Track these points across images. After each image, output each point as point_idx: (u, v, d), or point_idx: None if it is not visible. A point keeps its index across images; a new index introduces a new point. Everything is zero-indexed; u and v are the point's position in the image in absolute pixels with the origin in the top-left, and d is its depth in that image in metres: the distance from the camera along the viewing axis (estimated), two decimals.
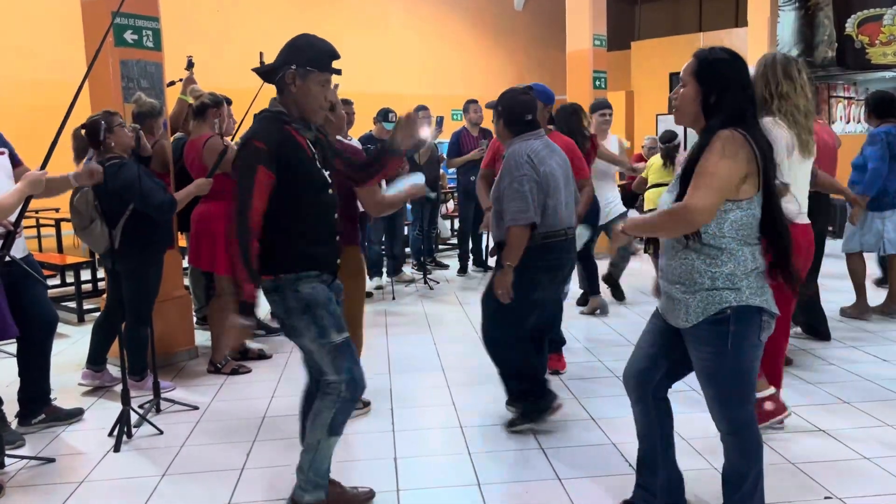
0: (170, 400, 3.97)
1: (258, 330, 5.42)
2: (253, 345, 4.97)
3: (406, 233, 7.88)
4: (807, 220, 3.42)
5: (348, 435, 3.49)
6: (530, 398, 3.52)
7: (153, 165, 4.38)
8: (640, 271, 7.06)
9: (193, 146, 4.39)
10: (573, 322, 5.52)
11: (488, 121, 7.49)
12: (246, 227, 2.44)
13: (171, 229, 4.46)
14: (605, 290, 6.04)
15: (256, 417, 3.81)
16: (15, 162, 3.56)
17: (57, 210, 7.11)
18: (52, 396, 3.79)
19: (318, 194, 2.60)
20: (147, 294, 4.05)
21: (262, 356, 4.85)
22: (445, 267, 8.14)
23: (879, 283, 6.27)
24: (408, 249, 8.01)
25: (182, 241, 5.38)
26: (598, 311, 5.80)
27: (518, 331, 3.47)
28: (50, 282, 4.28)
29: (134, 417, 3.62)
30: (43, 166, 3.17)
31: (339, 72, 2.62)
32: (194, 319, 5.27)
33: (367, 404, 3.82)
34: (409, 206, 7.41)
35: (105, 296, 4.54)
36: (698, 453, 3.17)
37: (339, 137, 3.85)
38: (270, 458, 3.30)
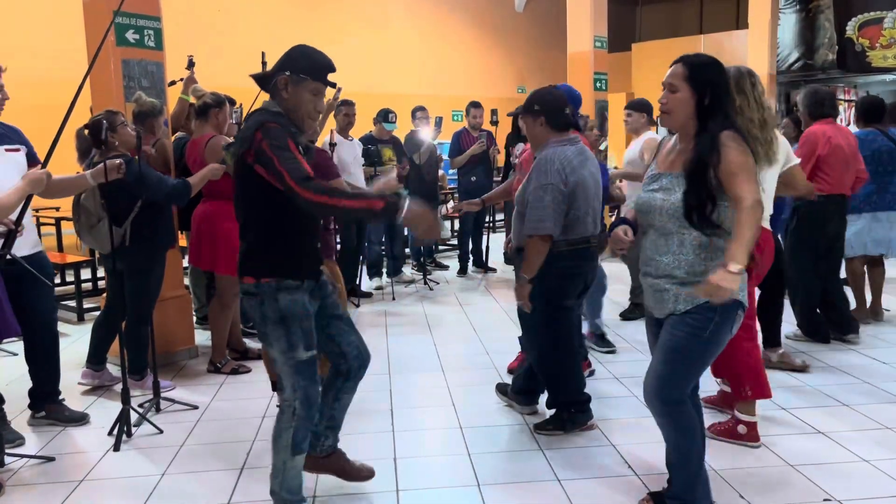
0: (170, 399, 3.98)
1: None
2: (253, 344, 4.97)
3: (406, 233, 7.89)
4: (766, 226, 3.51)
5: (348, 435, 3.50)
6: (572, 409, 3.48)
7: (154, 165, 4.38)
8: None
9: (195, 146, 4.39)
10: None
11: (488, 122, 7.54)
12: (314, 182, 2.35)
13: (173, 228, 4.47)
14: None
15: (256, 417, 3.81)
16: (33, 161, 3.56)
17: (57, 209, 7.11)
18: (60, 397, 3.79)
19: None
20: (148, 293, 4.06)
21: (262, 356, 4.84)
22: (445, 268, 8.15)
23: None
24: (407, 250, 8.02)
25: (183, 241, 5.38)
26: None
27: (560, 339, 3.43)
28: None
29: (134, 417, 3.63)
30: (44, 165, 3.17)
31: (333, 84, 2.64)
32: (194, 319, 5.27)
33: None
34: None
35: (105, 295, 4.54)
36: None
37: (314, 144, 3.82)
38: (270, 458, 3.30)
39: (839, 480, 2.97)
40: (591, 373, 4.29)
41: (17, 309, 3.53)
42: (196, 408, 3.96)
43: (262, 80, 2.61)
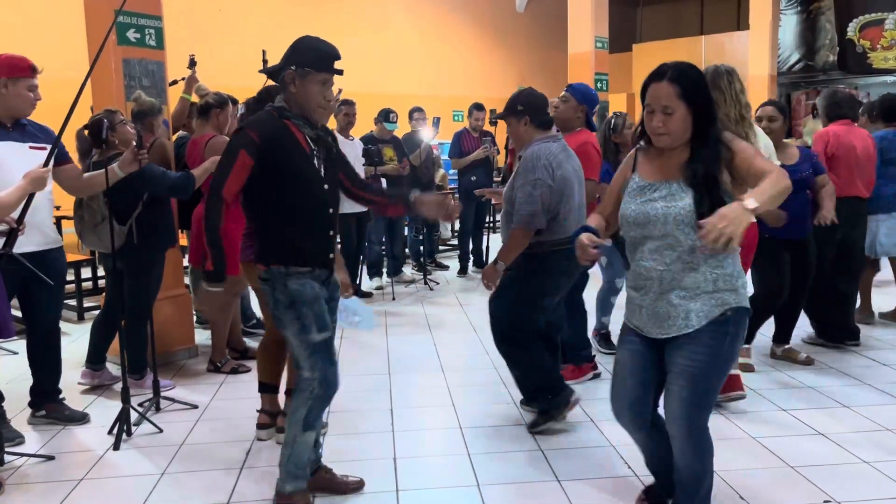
0: (169, 398, 3.97)
1: (258, 329, 5.42)
2: (253, 344, 4.97)
3: (406, 234, 7.89)
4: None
5: (348, 435, 3.50)
6: (546, 396, 3.52)
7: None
8: None
9: (195, 145, 4.39)
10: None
11: (488, 123, 7.54)
12: (219, 195, 2.59)
13: (174, 228, 4.47)
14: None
15: (256, 416, 3.80)
16: (63, 160, 3.58)
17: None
18: (61, 396, 3.79)
19: (312, 189, 2.66)
20: (148, 292, 4.06)
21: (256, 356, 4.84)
22: (446, 268, 8.15)
23: None
24: (407, 250, 8.02)
25: (184, 240, 5.38)
26: None
27: (528, 332, 3.48)
28: None
29: (134, 416, 3.62)
30: (46, 164, 3.18)
31: (340, 72, 2.67)
32: (194, 318, 5.27)
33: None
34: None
35: (104, 294, 4.54)
36: None
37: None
38: (269, 457, 3.29)
39: (839, 482, 2.96)
40: (597, 375, 4.28)
41: (23, 305, 3.55)
42: (196, 407, 3.96)
43: (274, 74, 2.69)
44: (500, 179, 7.76)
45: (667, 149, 2.33)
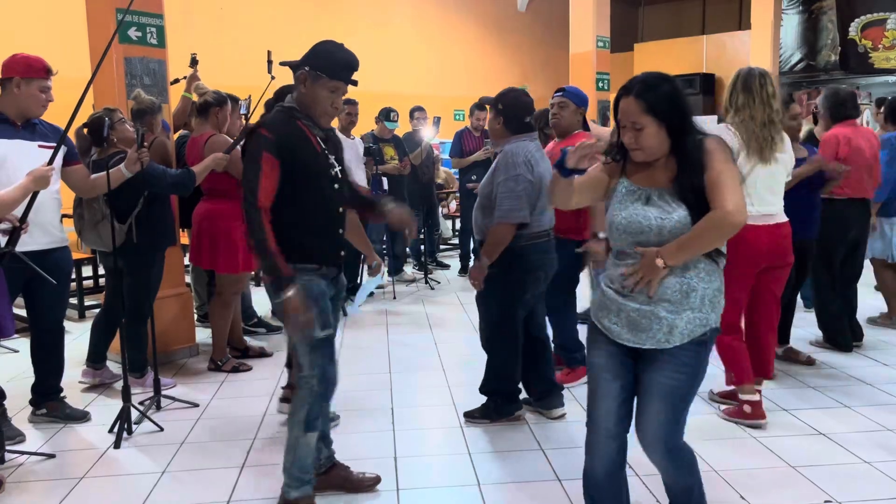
0: (170, 397, 3.98)
1: (258, 328, 5.43)
2: (254, 342, 4.97)
3: (406, 233, 7.88)
4: (769, 222, 3.50)
5: (349, 434, 3.50)
6: (497, 399, 3.64)
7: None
8: None
9: (195, 144, 4.39)
10: None
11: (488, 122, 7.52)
12: (256, 206, 2.52)
13: (175, 227, 4.48)
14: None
15: (257, 415, 3.81)
16: (72, 159, 3.62)
17: None
18: (62, 395, 3.80)
19: (323, 187, 2.67)
20: (148, 291, 4.06)
21: (262, 354, 4.85)
22: (446, 267, 8.15)
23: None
24: (408, 249, 8.01)
25: (184, 238, 5.39)
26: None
27: (511, 327, 3.54)
28: None
29: (134, 414, 3.63)
30: (50, 162, 3.18)
31: (355, 83, 2.67)
32: (195, 317, 5.27)
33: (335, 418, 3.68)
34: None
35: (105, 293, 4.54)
36: (697, 454, 3.16)
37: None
38: (270, 456, 3.29)
39: (840, 482, 2.96)
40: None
41: (27, 303, 3.55)
42: (196, 406, 3.96)
43: (293, 69, 2.69)
44: None
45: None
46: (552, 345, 4.20)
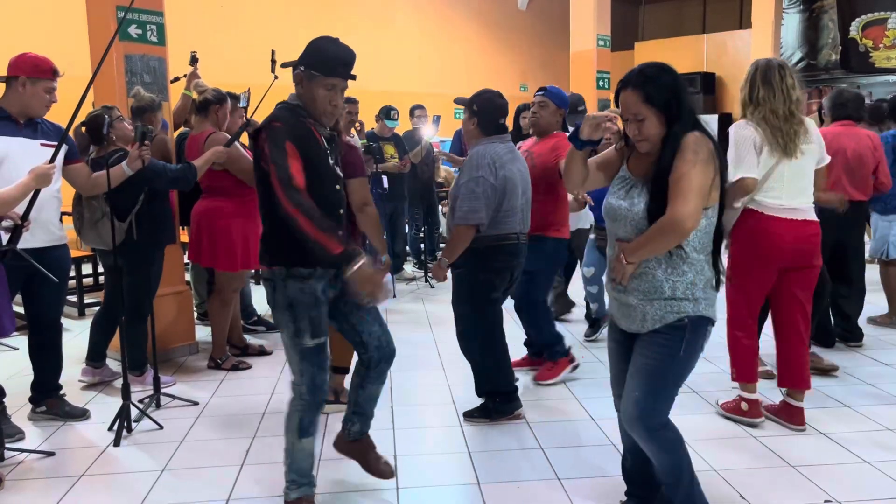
0: (170, 395, 3.97)
1: (258, 326, 5.43)
2: (253, 341, 4.97)
3: (407, 231, 7.88)
4: (796, 217, 3.35)
5: None
6: (495, 399, 3.66)
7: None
8: None
9: (195, 141, 4.39)
10: (572, 323, 5.52)
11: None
12: (297, 188, 2.42)
13: (174, 225, 4.47)
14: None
15: (256, 413, 3.81)
16: (73, 158, 3.62)
17: None
18: (61, 392, 3.79)
19: (326, 189, 2.63)
20: (147, 289, 4.06)
21: (262, 352, 4.85)
22: None
23: None
24: (408, 248, 8.01)
25: (184, 236, 5.38)
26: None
27: (484, 326, 3.60)
28: None
29: (134, 412, 3.62)
30: (52, 160, 3.18)
31: (353, 77, 2.64)
32: (195, 315, 5.27)
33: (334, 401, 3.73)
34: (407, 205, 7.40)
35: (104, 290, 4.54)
36: (696, 454, 3.17)
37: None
38: (270, 454, 3.29)
39: (840, 481, 2.96)
40: (576, 367, 4.25)
41: (26, 300, 3.55)
42: (196, 404, 3.96)
43: (293, 69, 2.67)
44: None
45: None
46: (528, 346, 4.39)
